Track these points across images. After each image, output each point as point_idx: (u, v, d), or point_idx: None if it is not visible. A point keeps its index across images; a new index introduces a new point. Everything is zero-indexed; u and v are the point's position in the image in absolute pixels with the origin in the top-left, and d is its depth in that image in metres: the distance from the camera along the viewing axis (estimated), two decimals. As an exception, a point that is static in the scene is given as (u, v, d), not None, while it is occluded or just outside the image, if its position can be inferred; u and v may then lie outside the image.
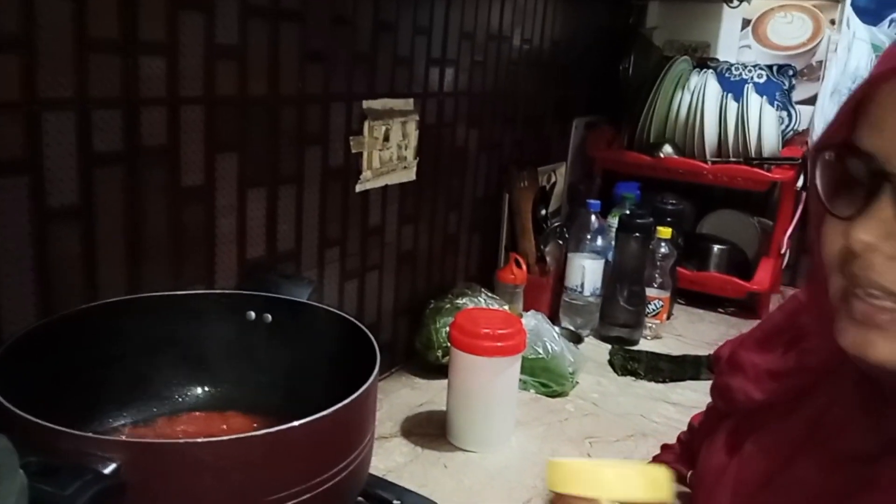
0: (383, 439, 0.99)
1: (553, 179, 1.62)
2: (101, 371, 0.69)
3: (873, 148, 0.44)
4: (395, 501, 0.78)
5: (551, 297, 1.43)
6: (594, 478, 0.49)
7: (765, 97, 1.58)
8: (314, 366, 0.74)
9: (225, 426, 0.74)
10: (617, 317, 1.41)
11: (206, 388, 0.78)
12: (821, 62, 1.75)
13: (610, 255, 1.44)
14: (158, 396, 0.75)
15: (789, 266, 1.72)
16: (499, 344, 0.95)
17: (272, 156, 0.90)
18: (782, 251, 1.61)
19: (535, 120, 1.54)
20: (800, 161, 1.55)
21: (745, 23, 1.85)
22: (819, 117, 1.59)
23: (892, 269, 0.43)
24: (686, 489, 0.70)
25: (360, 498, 0.74)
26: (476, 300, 1.22)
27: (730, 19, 1.86)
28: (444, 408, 1.02)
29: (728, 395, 0.65)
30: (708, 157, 1.59)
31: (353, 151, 1.02)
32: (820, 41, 1.76)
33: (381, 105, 1.05)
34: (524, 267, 1.35)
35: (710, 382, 0.71)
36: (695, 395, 1.20)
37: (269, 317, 0.77)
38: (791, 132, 1.67)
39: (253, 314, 0.77)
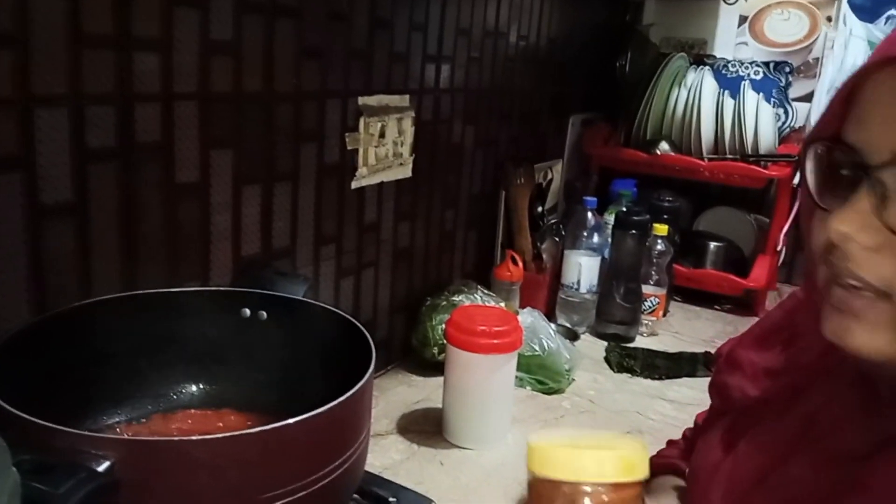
0: (379, 437, 0.99)
1: (549, 176, 1.62)
2: (95, 368, 0.69)
3: (857, 141, 0.44)
4: (391, 499, 0.77)
5: (548, 294, 1.43)
6: (573, 463, 0.50)
7: (761, 94, 1.58)
8: (310, 363, 0.74)
9: (220, 424, 0.73)
10: (613, 314, 1.41)
11: (201, 386, 0.78)
12: (817, 59, 1.75)
13: (606, 253, 1.44)
14: (153, 394, 0.75)
15: (786, 263, 1.72)
16: (495, 341, 0.95)
17: (267, 152, 0.90)
18: (778, 248, 1.61)
19: (532, 116, 1.54)
20: (796, 158, 1.55)
21: (742, 19, 1.85)
22: (816, 114, 1.59)
23: (868, 261, 0.43)
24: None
25: (355, 495, 0.74)
26: (472, 297, 1.22)
27: (727, 16, 1.86)
28: (440, 405, 1.02)
29: (725, 392, 0.65)
30: (704, 154, 1.59)
31: (349, 148, 1.02)
32: (817, 38, 1.76)
33: (376, 101, 1.05)
34: (520, 264, 1.35)
35: (706, 379, 0.71)
36: (691, 392, 1.20)
37: (265, 314, 0.77)
38: (787, 129, 1.68)
39: (248, 311, 0.77)
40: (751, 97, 1.56)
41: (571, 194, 1.71)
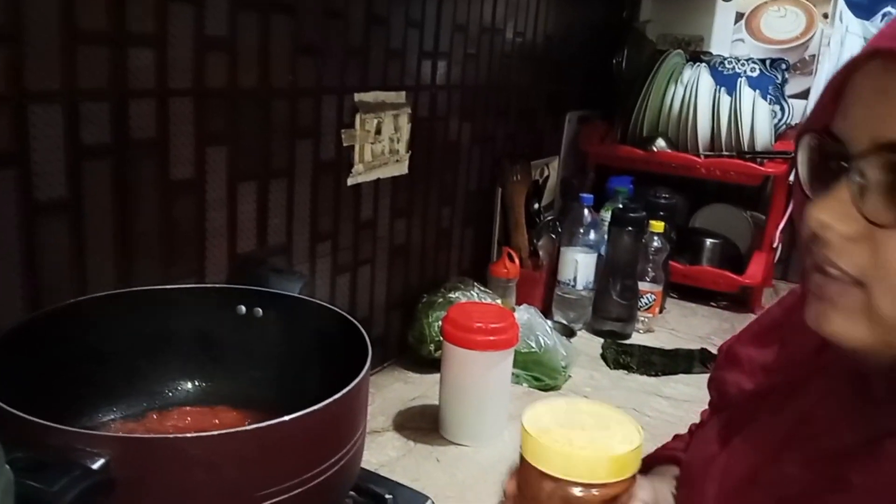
0: (376, 433, 0.99)
1: (546, 173, 1.62)
2: (90, 366, 0.69)
3: (841, 131, 0.44)
4: (387, 496, 0.77)
5: (544, 291, 1.43)
6: (565, 461, 0.50)
7: (758, 91, 1.58)
8: (305, 360, 0.74)
9: (216, 421, 0.73)
10: (609, 311, 1.41)
11: (197, 383, 0.78)
12: (814, 56, 1.75)
13: (603, 249, 1.44)
14: (148, 391, 0.75)
15: (781, 260, 1.73)
16: (491, 338, 0.95)
17: (263, 149, 0.90)
18: (774, 245, 1.61)
19: (528, 113, 1.54)
20: (792, 155, 1.55)
21: (739, 16, 1.85)
22: (811, 111, 1.59)
23: (846, 250, 0.44)
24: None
25: (352, 492, 0.74)
26: (469, 294, 1.22)
27: (723, 13, 1.86)
28: (436, 402, 1.02)
29: (722, 388, 0.65)
30: (701, 151, 1.59)
31: (345, 145, 1.02)
32: (813, 35, 1.76)
33: (372, 98, 1.05)
34: (517, 261, 1.35)
35: (702, 376, 0.71)
36: (687, 389, 1.20)
37: (260, 311, 0.77)
38: (784, 126, 1.68)
39: (244, 308, 0.77)
40: (747, 94, 1.56)
41: (568, 191, 1.71)
